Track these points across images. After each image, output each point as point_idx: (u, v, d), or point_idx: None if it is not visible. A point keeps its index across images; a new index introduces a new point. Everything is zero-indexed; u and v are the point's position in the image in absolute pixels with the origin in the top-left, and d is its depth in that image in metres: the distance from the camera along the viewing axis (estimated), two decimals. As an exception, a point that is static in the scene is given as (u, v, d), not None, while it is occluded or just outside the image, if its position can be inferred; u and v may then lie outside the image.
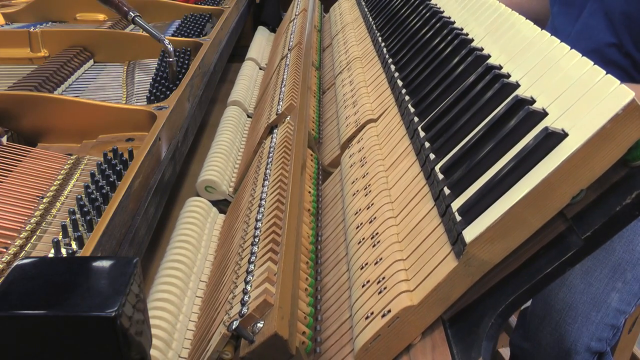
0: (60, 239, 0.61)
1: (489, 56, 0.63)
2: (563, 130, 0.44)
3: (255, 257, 0.55)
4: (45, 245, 0.63)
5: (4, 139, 0.83)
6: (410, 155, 0.63)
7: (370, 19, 1.15)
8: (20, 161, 0.77)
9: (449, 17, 0.81)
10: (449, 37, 0.73)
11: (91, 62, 1.21)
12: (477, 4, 0.78)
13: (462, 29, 0.74)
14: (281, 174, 0.67)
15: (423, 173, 0.58)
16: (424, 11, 0.89)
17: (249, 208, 0.67)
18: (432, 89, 0.67)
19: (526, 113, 0.47)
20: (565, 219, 0.44)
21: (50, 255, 0.59)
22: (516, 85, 0.54)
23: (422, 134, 0.62)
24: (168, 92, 0.97)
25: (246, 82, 1.23)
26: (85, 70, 1.17)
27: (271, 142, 0.78)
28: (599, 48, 1.08)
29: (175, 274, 0.64)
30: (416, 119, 0.66)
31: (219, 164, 0.91)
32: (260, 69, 1.38)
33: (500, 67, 0.59)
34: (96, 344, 0.37)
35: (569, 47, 0.53)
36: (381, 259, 0.52)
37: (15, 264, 0.40)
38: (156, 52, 1.17)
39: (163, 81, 1.03)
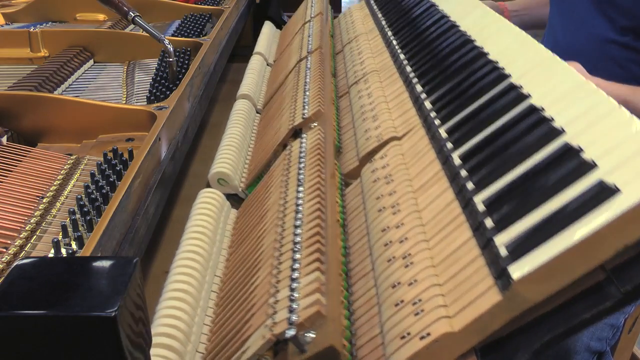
0: (60, 239, 0.61)
1: (529, 95, 0.63)
2: (615, 186, 0.45)
3: (299, 264, 0.55)
4: (45, 245, 0.63)
5: (4, 139, 0.83)
6: (442, 181, 0.63)
7: (389, 34, 1.13)
8: (20, 161, 0.77)
9: (482, 47, 0.81)
10: (485, 68, 0.74)
11: (91, 62, 1.21)
12: (512, 42, 0.78)
13: (497, 62, 0.74)
14: (318, 181, 0.67)
15: (458, 201, 0.58)
16: (454, 37, 0.89)
17: (282, 212, 0.66)
18: (468, 118, 0.67)
19: (578, 164, 0.49)
20: (604, 269, 0.45)
21: (50, 255, 0.60)
22: (562, 131, 0.55)
23: (456, 161, 0.62)
24: (168, 92, 0.97)
25: (255, 77, 1.23)
26: (85, 70, 1.17)
27: (300, 146, 0.78)
28: (594, 40, 1.09)
29: (193, 265, 0.64)
30: (449, 145, 0.66)
31: (232, 157, 0.90)
32: (267, 64, 1.38)
33: (542, 109, 0.60)
34: (96, 344, 0.37)
35: (617, 104, 0.54)
36: (416, 280, 0.52)
37: (15, 264, 0.40)
38: (156, 52, 1.17)
39: (163, 81, 1.04)
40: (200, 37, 1.27)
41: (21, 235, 0.64)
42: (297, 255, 0.56)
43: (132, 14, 1.09)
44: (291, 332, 0.47)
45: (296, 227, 0.60)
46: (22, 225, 0.65)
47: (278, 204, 0.68)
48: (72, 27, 1.41)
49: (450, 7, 1.03)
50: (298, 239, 0.58)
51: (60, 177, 0.75)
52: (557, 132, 0.54)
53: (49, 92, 1.01)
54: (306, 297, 0.50)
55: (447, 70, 0.81)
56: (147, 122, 0.83)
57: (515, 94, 0.64)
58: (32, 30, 1.22)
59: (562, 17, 1.18)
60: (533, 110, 0.59)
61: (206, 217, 0.73)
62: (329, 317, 0.48)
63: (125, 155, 0.77)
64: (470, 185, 0.57)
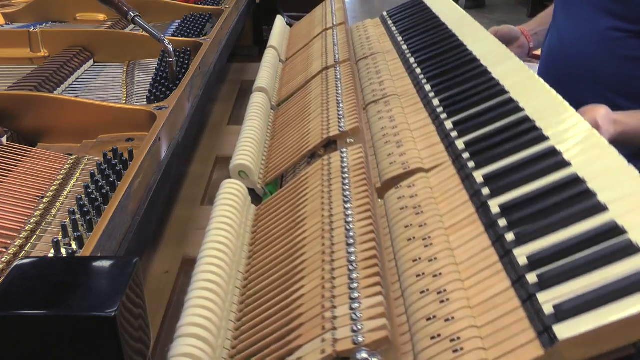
0: (60, 239, 0.61)
1: (570, 164, 0.66)
2: None
3: (358, 284, 0.56)
4: (45, 245, 0.63)
5: (4, 139, 0.83)
6: (476, 224, 0.65)
7: (412, 62, 1.14)
8: (20, 161, 0.77)
9: (518, 102, 0.84)
10: (524, 125, 0.77)
11: (91, 62, 1.21)
12: (547, 105, 0.81)
13: (534, 121, 0.78)
14: (368, 202, 0.68)
15: (495, 249, 0.60)
16: (488, 84, 0.91)
17: (329, 225, 0.66)
18: (508, 170, 0.71)
19: (625, 245, 0.53)
20: (635, 345, 0.48)
21: (50, 255, 0.60)
22: (605, 208, 0.58)
23: (494, 209, 0.64)
24: (168, 92, 0.97)
25: (270, 71, 1.22)
26: (85, 70, 1.17)
27: (342, 161, 0.78)
28: (600, 38, 1.09)
29: (222, 257, 0.63)
30: (486, 191, 0.68)
31: (253, 150, 0.90)
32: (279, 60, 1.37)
33: (585, 181, 0.63)
34: (96, 344, 0.37)
35: None
36: (453, 318, 0.54)
37: (15, 264, 0.40)
38: (156, 52, 1.17)
39: (163, 81, 1.04)
40: (200, 37, 1.27)
41: (21, 235, 0.64)
42: (355, 275, 0.57)
43: (132, 14, 1.09)
44: (363, 355, 0.49)
45: (349, 245, 0.61)
46: (22, 225, 0.65)
47: (321, 215, 0.68)
48: (72, 27, 1.41)
49: (479, 49, 1.06)
50: (352, 257, 0.59)
51: (60, 177, 0.75)
52: (602, 209, 0.58)
53: (49, 92, 1.01)
54: (371, 320, 0.52)
55: (482, 117, 0.84)
56: (147, 122, 0.83)
57: (558, 160, 0.68)
58: (32, 30, 1.22)
59: (567, 15, 1.18)
60: (577, 181, 0.63)
61: (233, 210, 0.72)
62: (396, 344, 0.50)
63: (125, 155, 0.77)
64: (510, 237, 0.60)
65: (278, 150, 0.95)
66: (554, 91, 0.83)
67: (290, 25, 1.68)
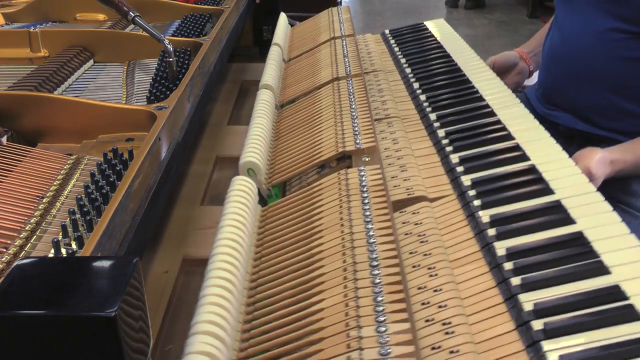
0: (60, 239, 0.61)
1: (575, 221, 0.71)
2: None
3: (383, 307, 0.57)
4: (45, 245, 0.63)
5: (4, 139, 0.83)
6: (480, 263, 0.68)
7: (416, 87, 1.16)
8: (20, 161, 0.77)
9: (529, 156, 0.87)
10: (536, 185, 0.81)
11: (91, 62, 1.21)
12: (558, 164, 0.85)
13: (541, 173, 0.82)
14: (389, 225, 0.69)
15: (500, 291, 0.63)
16: (499, 132, 0.94)
17: (350, 242, 0.67)
18: (514, 218, 0.74)
19: (626, 310, 0.57)
20: None
21: (50, 255, 0.60)
22: (608, 271, 0.62)
23: (500, 252, 0.68)
24: (168, 92, 0.97)
25: (276, 69, 1.22)
26: (85, 70, 1.17)
27: (361, 179, 0.78)
28: (601, 37, 1.09)
29: (235, 254, 0.63)
30: (492, 233, 0.71)
31: (261, 149, 0.90)
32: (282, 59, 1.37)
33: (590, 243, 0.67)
34: (96, 344, 0.37)
35: None
36: (458, 350, 0.56)
37: (15, 264, 0.40)
38: (156, 52, 1.17)
39: (163, 81, 1.04)
40: (200, 37, 1.27)
41: (21, 235, 0.64)
42: (380, 298, 0.58)
43: (132, 14, 1.09)
44: None
45: (372, 266, 0.63)
46: (22, 225, 0.65)
47: (341, 231, 0.69)
48: (72, 27, 1.41)
49: (485, 89, 1.10)
50: (377, 280, 0.60)
51: (60, 177, 0.75)
52: (605, 271, 0.62)
53: (49, 92, 1.01)
54: (399, 346, 0.53)
55: (489, 157, 0.88)
56: (147, 122, 0.83)
57: (564, 216, 0.72)
58: (32, 30, 1.22)
59: (567, 15, 1.18)
60: (582, 239, 0.67)
61: (245, 208, 0.72)
62: None
63: (125, 155, 0.77)
64: (515, 281, 0.63)
65: (285, 153, 0.95)
66: (556, 145, 0.88)
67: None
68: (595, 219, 0.72)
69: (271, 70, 1.19)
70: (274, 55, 1.28)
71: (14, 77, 1.06)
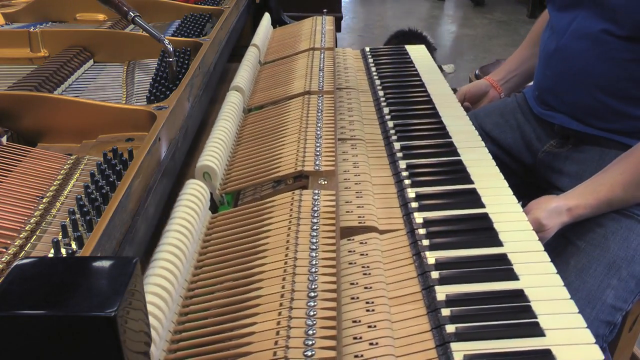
0: (60, 239, 0.61)
1: (518, 278, 0.73)
2: None
3: (314, 342, 0.56)
4: (45, 245, 0.63)
5: (4, 139, 0.83)
6: (419, 304, 0.69)
7: (385, 111, 1.17)
8: (20, 161, 0.77)
9: (480, 196, 0.90)
10: (483, 224, 0.83)
11: (91, 62, 1.21)
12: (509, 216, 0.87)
13: (493, 223, 0.83)
14: (333, 256, 0.68)
15: (433, 335, 0.64)
16: (463, 180, 0.95)
17: (292, 268, 0.66)
18: (460, 264, 0.76)
19: None
20: None
21: (50, 255, 0.60)
22: (543, 333, 0.64)
23: (440, 296, 0.69)
24: (168, 92, 0.97)
25: (250, 71, 1.22)
26: (85, 70, 1.17)
27: (314, 203, 0.77)
28: (595, 41, 1.09)
29: (176, 261, 0.63)
30: (434, 275, 0.73)
31: (220, 153, 0.89)
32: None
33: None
34: (96, 344, 0.37)
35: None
36: None
37: (15, 264, 0.40)
38: (156, 52, 1.17)
39: (163, 81, 1.04)
40: (200, 37, 1.27)
41: (21, 235, 0.64)
42: (311, 332, 0.58)
43: (132, 14, 1.09)
44: None
45: (310, 297, 0.62)
46: (22, 225, 0.65)
47: (285, 254, 0.68)
48: (72, 27, 1.41)
49: (452, 125, 1.12)
50: (312, 312, 0.60)
51: (60, 177, 0.75)
52: (540, 333, 0.64)
53: (49, 92, 1.01)
54: None
55: (444, 198, 0.89)
56: (147, 122, 0.83)
57: (508, 270, 0.74)
58: (32, 30, 1.22)
59: (561, 17, 1.18)
60: (522, 297, 0.69)
61: (194, 214, 0.72)
62: None
63: (125, 155, 0.77)
64: (450, 329, 0.64)
65: (243, 161, 0.94)
66: (512, 196, 0.90)
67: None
68: (539, 279, 0.73)
69: (244, 72, 1.18)
70: (250, 56, 1.28)
71: (14, 77, 1.06)
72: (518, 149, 1.31)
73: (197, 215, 0.72)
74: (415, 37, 3.39)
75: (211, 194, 0.82)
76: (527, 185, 1.31)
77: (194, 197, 0.75)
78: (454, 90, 1.36)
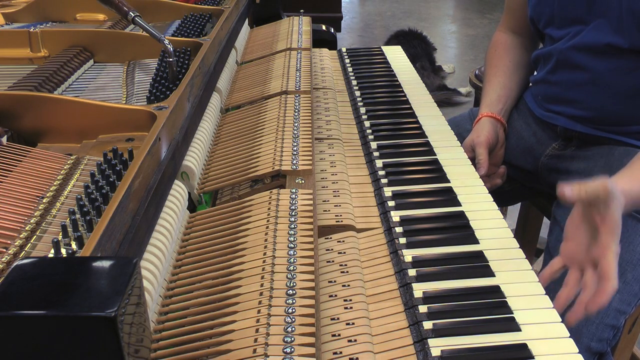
0: (60, 239, 0.61)
1: (494, 275, 0.75)
2: None
3: (292, 339, 0.57)
4: (45, 245, 0.63)
5: (4, 139, 0.83)
6: (397, 302, 0.70)
7: (362, 111, 1.18)
8: (20, 161, 0.77)
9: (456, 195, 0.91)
10: (460, 222, 0.84)
11: (91, 62, 1.21)
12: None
13: (469, 221, 0.84)
14: (311, 254, 0.68)
15: (411, 332, 0.65)
16: (439, 180, 0.96)
17: (271, 266, 0.66)
18: (437, 261, 0.77)
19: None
20: None
21: (50, 255, 0.60)
22: (519, 328, 0.66)
23: (417, 293, 0.70)
24: (168, 92, 0.97)
25: (227, 71, 1.22)
26: (85, 70, 1.17)
27: (291, 202, 0.78)
28: (598, 50, 1.08)
29: (155, 261, 0.64)
30: (412, 273, 0.74)
31: (199, 153, 0.89)
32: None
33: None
34: (96, 344, 0.37)
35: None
36: None
37: (15, 264, 0.40)
38: (156, 52, 1.17)
39: (163, 81, 1.03)
40: (200, 37, 1.27)
41: (21, 235, 0.64)
42: (290, 329, 0.58)
43: (132, 14, 1.09)
44: None
45: (289, 295, 0.62)
46: (22, 225, 0.65)
47: (263, 253, 0.69)
48: (72, 27, 1.41)
49: (428, 124, 1.13)
50: (291, 310, 0.60)
51: (60, 177, 0.75)
52: (516, 328, 0.65)
53: (49, 92, 1.01)
54: None
55: (422, 197, 0.90)
56: (147, 122, 0.83)
57: (484, 266, 0.75)
58: (32, 30, 1.22)
59: (563, 28, 1.16)
60: (498, 292, 0.71)
61: (173, 214, 0.73)
62: None
63: (125, 155, 0.77)
64: (428, 325, 0.65)
65: (221, 161, 0.94)
66: (488, 194, 0.91)
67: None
68: (514, 275, 0.74)
69: (223, 74, 1.19)
70: (229, 57, 1.28)
71: (14, 77, 1.05)
72: (516, 157, 1.28)
73: (175, 215, 0.73)
74: (415, 37, 3.40)
75: (189, 193, 0.82)
76: (528, 190, 1.30)
77: (172, 196, 0.75)
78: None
